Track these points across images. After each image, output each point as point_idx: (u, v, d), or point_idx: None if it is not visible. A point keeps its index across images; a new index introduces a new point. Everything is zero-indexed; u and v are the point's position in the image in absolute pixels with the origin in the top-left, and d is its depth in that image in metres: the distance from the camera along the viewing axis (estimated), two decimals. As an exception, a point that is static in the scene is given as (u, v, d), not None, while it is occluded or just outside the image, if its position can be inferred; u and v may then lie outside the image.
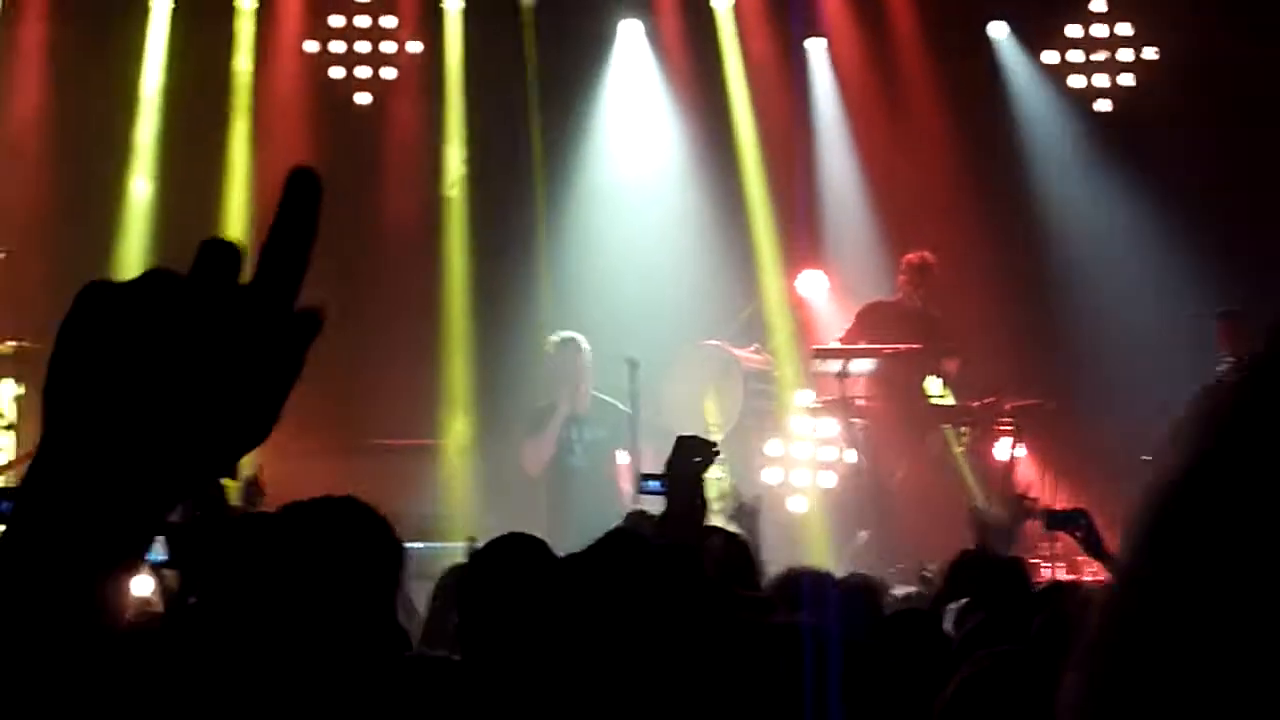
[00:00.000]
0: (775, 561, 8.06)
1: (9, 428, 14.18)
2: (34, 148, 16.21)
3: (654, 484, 7.51)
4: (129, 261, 16.08)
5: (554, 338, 13.92)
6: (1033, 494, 13.91)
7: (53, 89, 16.42)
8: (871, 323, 14.87)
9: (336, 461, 13.67)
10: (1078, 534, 7.67)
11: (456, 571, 5.90)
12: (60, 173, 16.18)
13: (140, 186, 16.42)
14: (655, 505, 7.15)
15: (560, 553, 6.05)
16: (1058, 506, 13.80)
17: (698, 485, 7.08)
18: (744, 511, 9.26)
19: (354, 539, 3.71)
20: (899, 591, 8.56)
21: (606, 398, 13.81)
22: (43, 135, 16.30)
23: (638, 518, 7.98)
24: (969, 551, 6.87)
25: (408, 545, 10.48)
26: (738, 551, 6.45)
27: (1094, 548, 7.50)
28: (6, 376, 14.66)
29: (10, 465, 13.07)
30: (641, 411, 13.63)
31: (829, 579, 6.13)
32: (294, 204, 1.41)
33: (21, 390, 14.43)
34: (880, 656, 2.88)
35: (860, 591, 5.86)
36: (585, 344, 13.74)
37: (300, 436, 14.84)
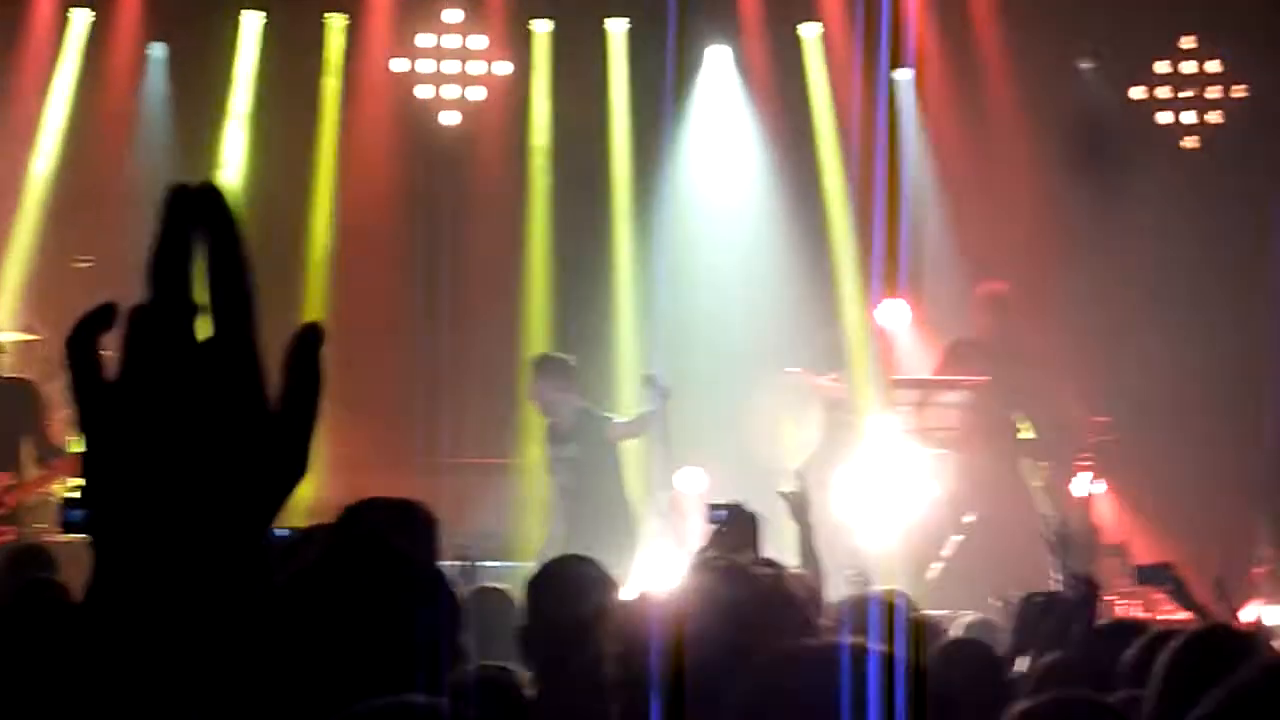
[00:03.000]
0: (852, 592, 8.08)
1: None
2: (122, 162, 16.35)
3: (722, 513, 7.87)
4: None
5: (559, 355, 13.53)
6: (1113, 538, 13.92)
7: (141, 101, 16.58)
8: (961, 357, 14.83)
9: (413, 478, 13.72)
10: (1167, 588, 7.66)
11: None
12: (146, 180, 16.30)
13: (230, 170, 16.50)
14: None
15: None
16: (1137, 555, 13.86)
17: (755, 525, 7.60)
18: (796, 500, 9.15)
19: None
20: (968, 618, 8.52)
21: (592, 408, 13.28)
22: (130, 148, 16.44)
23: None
24: (1037, 594, 6.84)
25: (479, 563, 10.46)
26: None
27: (1184, 600, 7.48)
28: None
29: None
30: (670, 429, 13.12)
31: (900, 606, 6.11)
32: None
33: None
34: (938, 684, 2.87)
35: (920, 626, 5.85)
36: (559, 361, 13.29)
37: (378, 452, 14.99)
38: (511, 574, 10.07)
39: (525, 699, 3.12)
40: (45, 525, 11.49)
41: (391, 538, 3.70)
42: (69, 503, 4.87)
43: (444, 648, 3.37)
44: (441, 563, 11.31)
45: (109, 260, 15.55)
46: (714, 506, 8.15)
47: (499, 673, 3.91)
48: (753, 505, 8.00)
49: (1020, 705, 3.85)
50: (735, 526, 7.79)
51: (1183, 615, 7.86)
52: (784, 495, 9.30)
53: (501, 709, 3.31)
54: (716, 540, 7.61)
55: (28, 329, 14.55)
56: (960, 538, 13.76)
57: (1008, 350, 14.76)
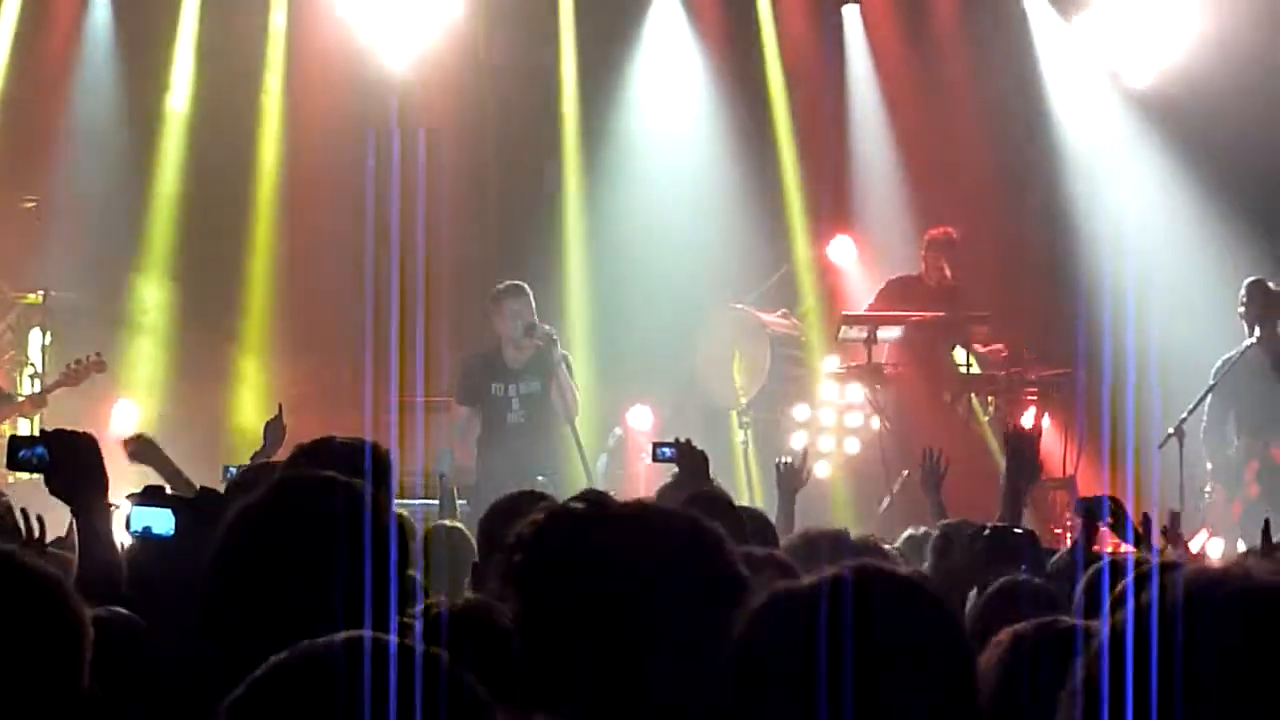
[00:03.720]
0: (800, 525, 8.15)
1: (35, 376, 14.22)
2: (62, 101, 16.26)
3: (666, 451, 8.08)
4: (161, 212, 16.16)
5: (511, 283, 13.04)
6: (1060, 472, 14.02)
7: (85, 38, 16.49)
8: (897, 297, 14.87)
9: (371, 416, 13.72)
10: (1108, 521, 7.76)
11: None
12: (89, 119, 16.23)
13: (176, 104, 16.45)
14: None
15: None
16: (1075, 478, 13.97)
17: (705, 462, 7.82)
18: (789, 471, 9.37)
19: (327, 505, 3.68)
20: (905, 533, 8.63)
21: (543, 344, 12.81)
22: (70, 87, 16.35)
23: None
24: (980, 527, 6.89)
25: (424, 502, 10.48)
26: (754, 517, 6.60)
27: (1124, 532, 7.57)
28: (34, 326, 14.73)
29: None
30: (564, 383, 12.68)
31: (845, 540, 6.20)
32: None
33: (48, 340, 14.47)
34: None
35: (871, 553, 5.90)
36: (520, 296, 12.87)
37: (341, 392, 14.99)
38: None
39: (504, 629, 3.15)
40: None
41: (340, 475, 3.72)
42: (17, 441, 4.86)
43: (391, 583, 3.39)
44: (416, 499, 11.34)
45: (54, 200, 15.52)
46: (659, 444, 8.24)
47: (477, 604, 3.93)
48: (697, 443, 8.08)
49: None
50: (686, 461, 7.88)
51: (1126, 548, 7.97)
52: (779, 466, 9.46)
53: (479, 640, 3.32)
54: (675, 478, 7.71)
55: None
56: (906, 473, 13.82)
57: (953, 289, 14.82)
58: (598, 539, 3.06)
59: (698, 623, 2.95)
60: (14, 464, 4.93)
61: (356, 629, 2.44)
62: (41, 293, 14.85)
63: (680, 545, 3.07)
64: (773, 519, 7.46)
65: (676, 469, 7.90)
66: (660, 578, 3.00)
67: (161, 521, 4.91)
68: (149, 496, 5.09)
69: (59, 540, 5.96)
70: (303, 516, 3.56)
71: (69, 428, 4.99)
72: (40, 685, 2.82)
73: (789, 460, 9.58)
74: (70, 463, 4.76)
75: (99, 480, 4.81)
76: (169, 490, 5.41)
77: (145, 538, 4.69)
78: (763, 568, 3.95)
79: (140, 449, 8.48)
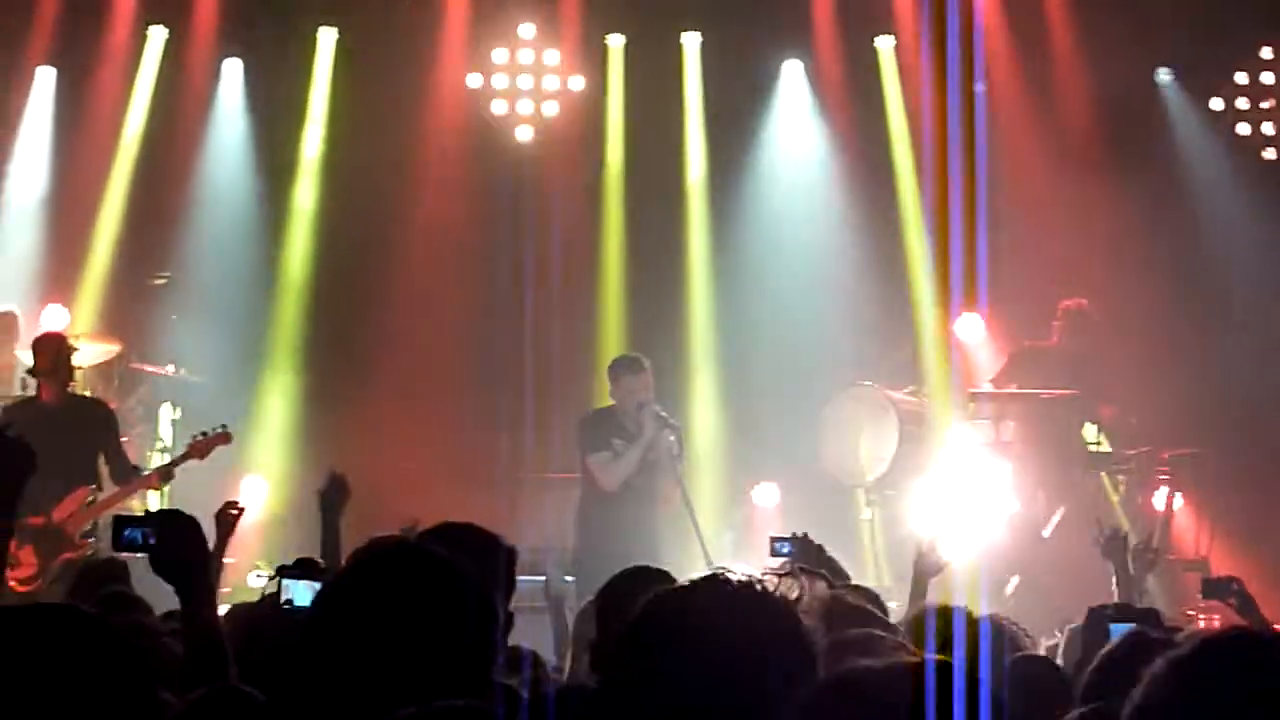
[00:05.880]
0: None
1: (163, 450, 14.30)
2: (194, 182, 16.45)
3: (785, 546, 7.91)
4: (288, 292, 16.29)
5: (630, 356, 12.85)
6: (1193, 553, 13.81)
7: (216, 117, 16.69)
8: (1025, 366, 14.74)
9: (494, 493, 13.72)
10: (1231, 601, 7.69)
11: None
12: (219, 203, 16.42)
13: (304, 187, 16.61)
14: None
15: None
16: (1209, 559, 13.75)
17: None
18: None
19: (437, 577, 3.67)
20: (1048, 642, 8.44)
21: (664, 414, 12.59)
22: (202, 168, 16.54)
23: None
24: (1099, 609, 6.77)
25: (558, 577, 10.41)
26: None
27: (1249, 614, 7.49)
28: (164, 401, 14.84)
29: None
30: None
31: (966, 618, 6.07)
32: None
33: (178, 414, 14.56)
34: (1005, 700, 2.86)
35: (998, 635, 5.78)
36: (637, 372, 12.51)
37: (465, 467, 15.01)
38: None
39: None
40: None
41: (450, 554, 3.70)
42: (121, 521, 4.89)
43: (481, 654, 3.36)
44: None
45: (184, 278, 15.68)
46: (776, 539, 8.11)
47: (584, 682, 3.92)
48: (816, 531, 7.99)
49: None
50: (801, 557, 7.76)
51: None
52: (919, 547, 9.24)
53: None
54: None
55: (105, 346, 14.66)
56: (1034, 555, 13.67)
57: (1086, 363, 14.65)
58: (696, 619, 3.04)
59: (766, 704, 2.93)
60: (119, 544, 4.96)
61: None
62: (171, 366, 14.99)
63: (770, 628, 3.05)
64: (903, 598, 7.35)
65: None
66: (750, 660, 2.98)
67: (304, 594, 4.93)
68: (298, 569, 5.12)
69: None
70: (388, 586, 3.56)
71: (181, 509, 5.01)
72: None
73: (928, 543, 9.27)
74: (173, 544, 4.77)
75: (202, 562, 4.82)
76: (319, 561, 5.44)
77: (288, 609, 4.71)
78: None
79: (332, 493, 8.48)
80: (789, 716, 2.71)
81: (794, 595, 3.15)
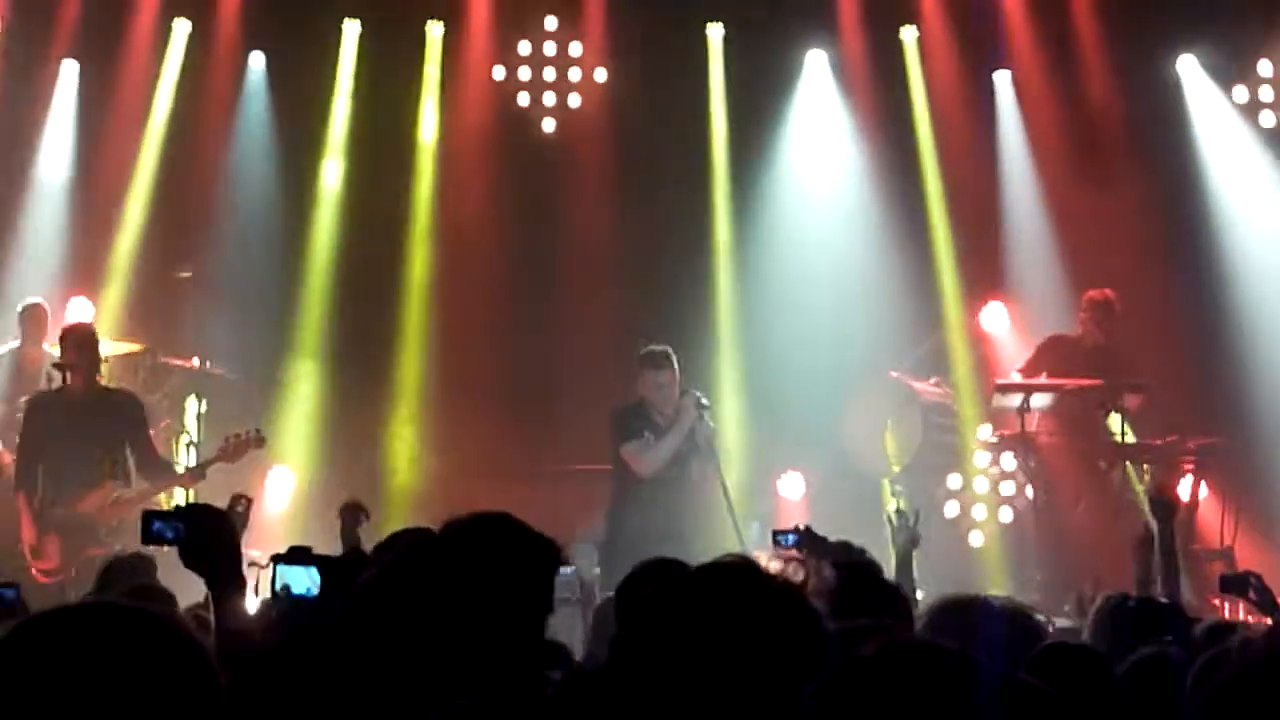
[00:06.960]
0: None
1: (191, 444, 14.31)
2: (218, 176, 16.46)
3: (790, 538, 7.88)
4: (313, 284, 16.31)
5: (655, 349, 12.60)
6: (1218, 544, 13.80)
7: (240, 111, 16.71)
8: (1052, 356, 14.73)
9: (519, 485, 13.71)
10: (1251, 596, 7.71)
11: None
12: (243, 197, 16.43)
13: (329, 179, 16.63)
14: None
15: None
16: (1234, 549, 13.74)
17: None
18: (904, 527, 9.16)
19: (505, 556, 3.71)
20: (1061, 624, 8.47)
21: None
22: (226, 162, 16.55)
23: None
24: (1123, 597, 6.78)
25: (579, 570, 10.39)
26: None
27: (1268, 609, 7.51)
28: (190, 394, 14.85)
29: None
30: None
31: (987, 607, 6.06)
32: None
33: (204, 407, 14.57)
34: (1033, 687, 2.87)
35: (1017, 620, 5.77)
36: (663, 365, 12.43)
37: (489, 460, 15.03)
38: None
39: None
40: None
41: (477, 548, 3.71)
42: (150, 515, 4.92)
43: (523, 648, 3.38)
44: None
45: (209, 269, 15.70)
46: (779, 533, 8.09)
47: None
48: (843, 522, 7.98)
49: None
50: (810, 548, 7.73)
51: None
52: (890, 518, 9.28)
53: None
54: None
55: (131, 340, 14.71)
56: (1059, 544, 13.66)
57: (1112, 353, 14.64)
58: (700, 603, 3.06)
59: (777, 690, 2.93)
60: (148, 538, 4.99)
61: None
62: (196, 360, 15.01)
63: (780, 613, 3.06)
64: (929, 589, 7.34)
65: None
66: (751, 643, 3.00)
67: (300, 580, 4.96)
68: (292, 556, 5.15)
69: (199, 606, 6.00)
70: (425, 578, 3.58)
71: (208, 503, 5.04)
72: None
73: (903, 514, 9.24)
74: (202, 538, 4.80)
75: (231, 555, 4.85)
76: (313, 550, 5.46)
77: (283, 596, 4.74)
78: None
79: (351, 514, 8.58)
80: (799, 702, 2.72)
81: (799, 579, 3.16)
